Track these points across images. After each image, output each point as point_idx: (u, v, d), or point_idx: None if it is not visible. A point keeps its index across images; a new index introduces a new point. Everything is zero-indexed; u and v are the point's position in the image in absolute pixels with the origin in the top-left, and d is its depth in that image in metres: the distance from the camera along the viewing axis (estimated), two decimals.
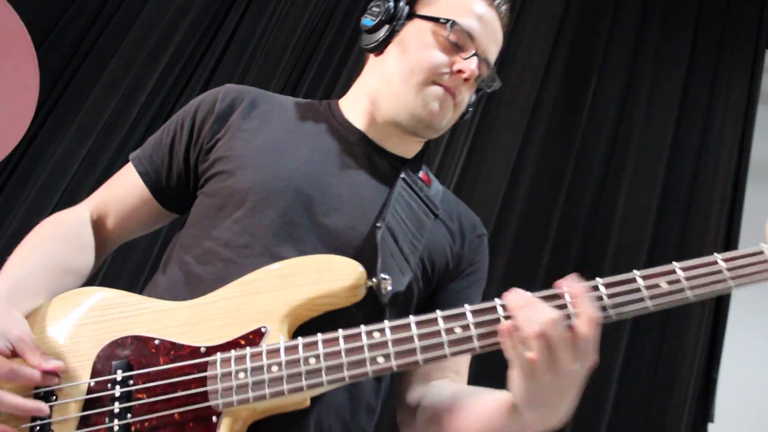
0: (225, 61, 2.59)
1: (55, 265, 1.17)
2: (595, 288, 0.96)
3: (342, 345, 1.00)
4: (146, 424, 0.99)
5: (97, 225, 1.29)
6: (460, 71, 1.22)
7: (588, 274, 0.99)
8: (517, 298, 0.94)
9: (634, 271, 0.97)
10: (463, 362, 1.28)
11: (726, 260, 0.98)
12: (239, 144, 1.23)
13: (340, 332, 1.01)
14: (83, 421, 1.00)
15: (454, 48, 1.23)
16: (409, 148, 1.32)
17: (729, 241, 2.75)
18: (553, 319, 0.89)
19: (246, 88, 1.32)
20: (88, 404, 1.01)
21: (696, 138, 2.95)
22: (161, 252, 2.24)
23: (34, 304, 1.09)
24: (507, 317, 0.95)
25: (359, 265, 1.08)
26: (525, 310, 0.91)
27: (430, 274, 1.26)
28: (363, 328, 1.01)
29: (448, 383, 1.23)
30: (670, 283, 0.96)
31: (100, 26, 2.40)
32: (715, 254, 0.99)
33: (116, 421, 0.99)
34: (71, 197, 2.30)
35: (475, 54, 1.22)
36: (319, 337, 1.01)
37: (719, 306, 2.69)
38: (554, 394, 0.92)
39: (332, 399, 1.11)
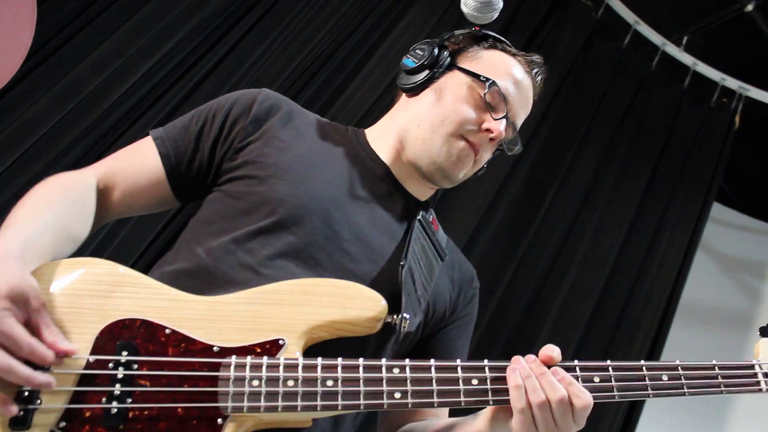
0: (216, 73, 2.53)
1: (63, 229, 1.11)
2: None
3: (362, 373, 1.00)
4: (146, 412, 0.94)
5: (101, 195, 1.22)
6: (488, 130, 1.25)
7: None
8: (525, 367, 1.05)
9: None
10: (445, 409, 1.30)
11: (721, 368, 1.09)
12: (273, 152, 1.22)
13: (361, 361, 1.01)
14: (76, 396, 0.94)
15: (487, 107, 1.26)
16: (423, 192, 1.34)
17: None
18: (561, 397, 1.01)
19: (283, 97, 1.32)
20: (83, 380, 0.95)
21: (637, 263, 3.16)
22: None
23: (36, 267, 1.02)
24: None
25: (383, 299, 1.08)
26: (532, 379, 1.03)
27: (429, 318, 1.28)
28: (384, 361, 1.02)
29: (435, 420, 1.27)
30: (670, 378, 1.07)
31: (108, 1, 2.31)
32: (714, 361, 1.10)
33: (115, 403, 0.94)
34: (22, 168, 2.14)
35: (505, 116, 1.27)
36: (340, 361, 1.01)
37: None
38: None
39: (320, 424, 1.10)
